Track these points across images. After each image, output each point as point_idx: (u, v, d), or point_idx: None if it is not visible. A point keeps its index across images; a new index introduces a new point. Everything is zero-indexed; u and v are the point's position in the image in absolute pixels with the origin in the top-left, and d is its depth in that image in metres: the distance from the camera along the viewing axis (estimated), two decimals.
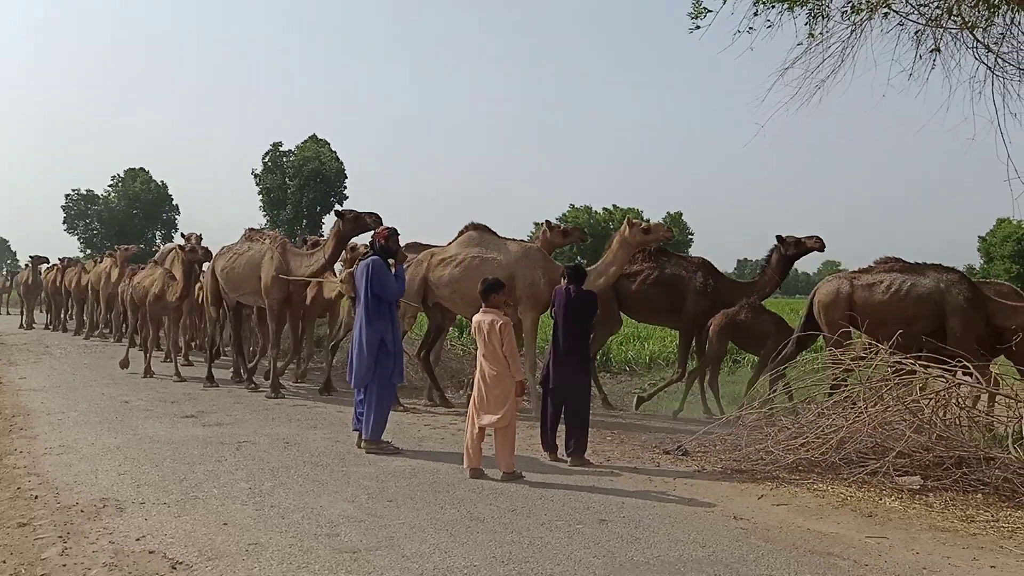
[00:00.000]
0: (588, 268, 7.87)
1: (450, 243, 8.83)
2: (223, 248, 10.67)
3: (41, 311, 24.08)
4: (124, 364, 11.77)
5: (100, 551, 3.97)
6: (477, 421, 5.76)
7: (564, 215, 64.43)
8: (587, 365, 6.59)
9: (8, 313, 26.99)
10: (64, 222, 61.39)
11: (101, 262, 18.28)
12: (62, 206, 61.71)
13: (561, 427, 6.33)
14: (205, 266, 11.14)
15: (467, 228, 8.76)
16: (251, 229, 10.66)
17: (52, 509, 4.69)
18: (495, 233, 8.70)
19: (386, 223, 8.03)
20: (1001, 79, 6.72)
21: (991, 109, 6.68)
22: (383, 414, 6.50)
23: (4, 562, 3.85)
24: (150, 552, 3.95)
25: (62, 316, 21.45)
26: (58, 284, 20.75)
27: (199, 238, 11.62)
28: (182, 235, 12.65)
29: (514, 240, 8.72)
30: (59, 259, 21.97)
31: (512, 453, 5.74)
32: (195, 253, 10.38)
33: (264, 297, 9.71)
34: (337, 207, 10.74)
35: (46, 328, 21.27)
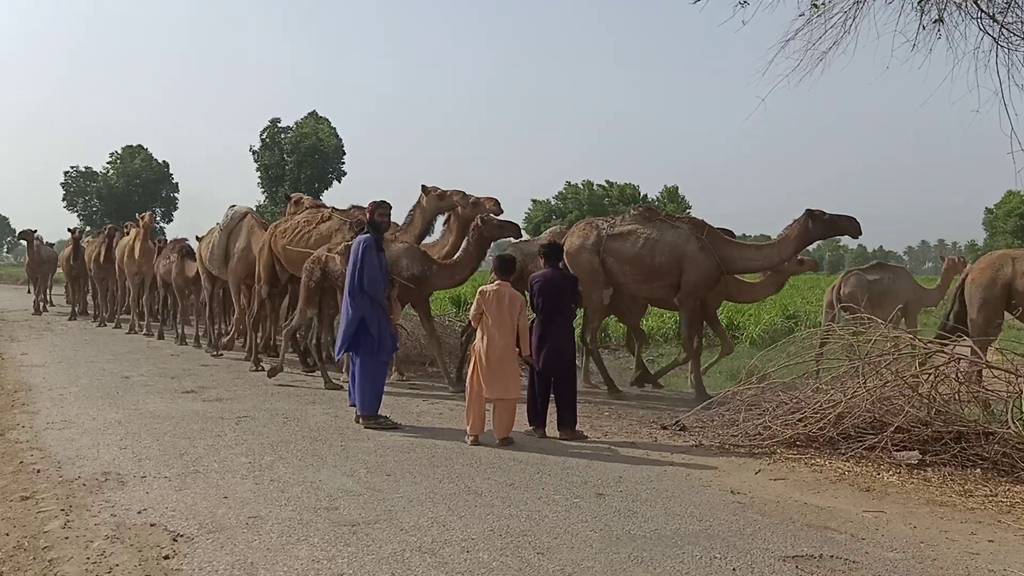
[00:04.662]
0: None
1: None
2: (590, 222, 8.59)
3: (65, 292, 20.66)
4: (276, 371, 8.71)
5: (102, 524, 3.99)
6: (483, 392, 5.82)
7: (561, 192, 64.03)
8: (573, 342, 6.60)
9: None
10: (63, 199, 61.23)
11: (128, 233, 15.18)
12: (61, 183, 61.54)
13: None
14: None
15: None
16: (648, 208, 8.62)
17: (54, 483, 4.71)
18: None
19: (375, 198, 7.02)
20: (1006, 50, 6.60)
21: (996, 81, 6.57)
22: (372, 389, 6.47)
23: (7, 535, 3.88)
24: (151, 525, 3.97)
25: (79, 298, 18.19)
26: (72, 263, 17.41)
27: (496, 203, 8.45)
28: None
29: None
30: (69, 230, 18.15)
31: (511, 423, 5.84)
32: (502, 229, 7.92)
33: (683, 288, 8.06)
34: (810, 208, 7.90)
35: (72, 317, 17.41)
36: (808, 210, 7.83)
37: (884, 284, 9.93)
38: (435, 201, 8.78)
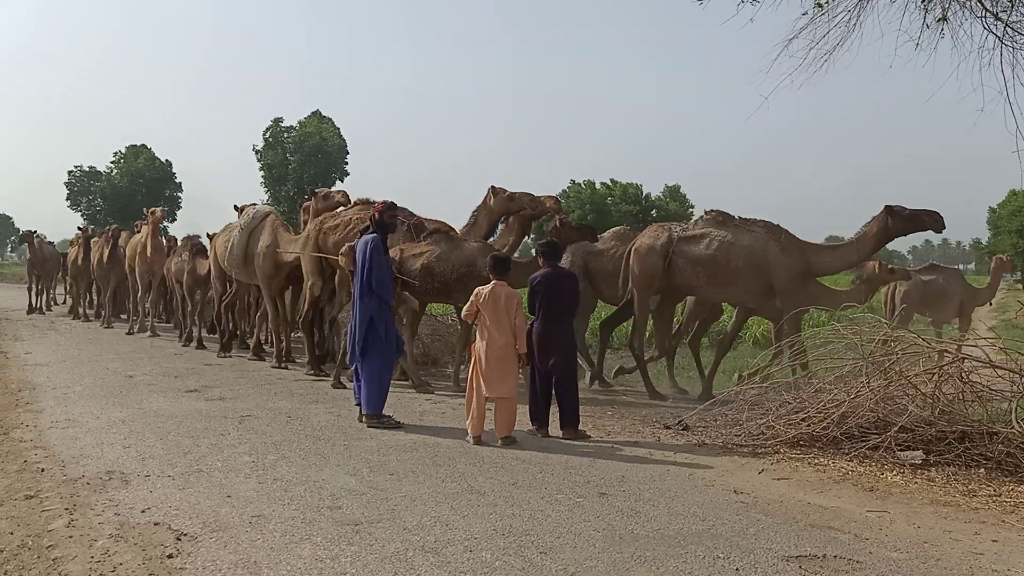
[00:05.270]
0: None
1: None
2: (663, 225, 8.59)
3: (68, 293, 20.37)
4: (424, 386, 8.17)
5: (106, 523, 4.00)
6: (483, 392, 5.84)
7: (565, 191, 63.93)
8: (574, 341, 6.59)
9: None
10: (67, 199, 61.31)
11: (139, 231, 14.69)
12: (65, 183, 61.60)
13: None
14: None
15: None
16: (720, 212, 8.41)
17: (58, 481, 4.72)
18: None
19: (386, 199, 7.07)
20: (1011, 48, 6.57)
21: (1000, 79, 6.55)
22: (379, 388, 6.48)
23: (12, 533, 3.89)
24: (155, 524, 3.98)
25: (82, 296, 17.98)
26: (79, 263, 16.95)
27: (556, 201, 8.76)
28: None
29: None
30: (79, 228, 17.76)
31: (512, 422, 5.85)
32: (581, 232, 7.94)
33: (779, 294, 7.87)
34: (889, 204, 7.67)
35: (75, 316, 17.51)
36: (887, 206, 7.53)
37: (939, 285, 10.14)
38: (503, 202, 8.71)
